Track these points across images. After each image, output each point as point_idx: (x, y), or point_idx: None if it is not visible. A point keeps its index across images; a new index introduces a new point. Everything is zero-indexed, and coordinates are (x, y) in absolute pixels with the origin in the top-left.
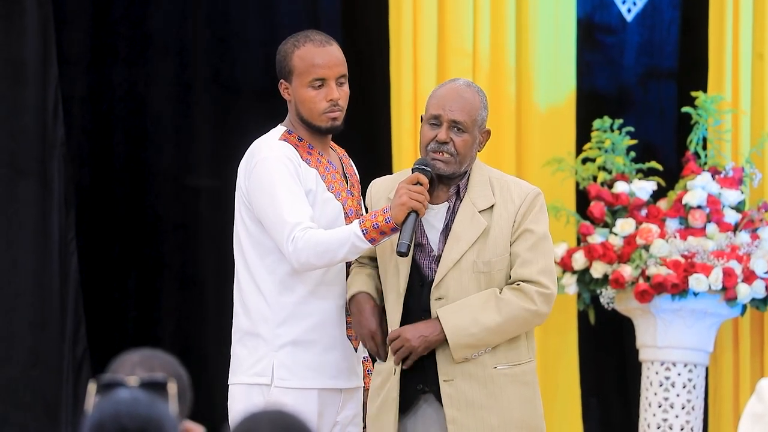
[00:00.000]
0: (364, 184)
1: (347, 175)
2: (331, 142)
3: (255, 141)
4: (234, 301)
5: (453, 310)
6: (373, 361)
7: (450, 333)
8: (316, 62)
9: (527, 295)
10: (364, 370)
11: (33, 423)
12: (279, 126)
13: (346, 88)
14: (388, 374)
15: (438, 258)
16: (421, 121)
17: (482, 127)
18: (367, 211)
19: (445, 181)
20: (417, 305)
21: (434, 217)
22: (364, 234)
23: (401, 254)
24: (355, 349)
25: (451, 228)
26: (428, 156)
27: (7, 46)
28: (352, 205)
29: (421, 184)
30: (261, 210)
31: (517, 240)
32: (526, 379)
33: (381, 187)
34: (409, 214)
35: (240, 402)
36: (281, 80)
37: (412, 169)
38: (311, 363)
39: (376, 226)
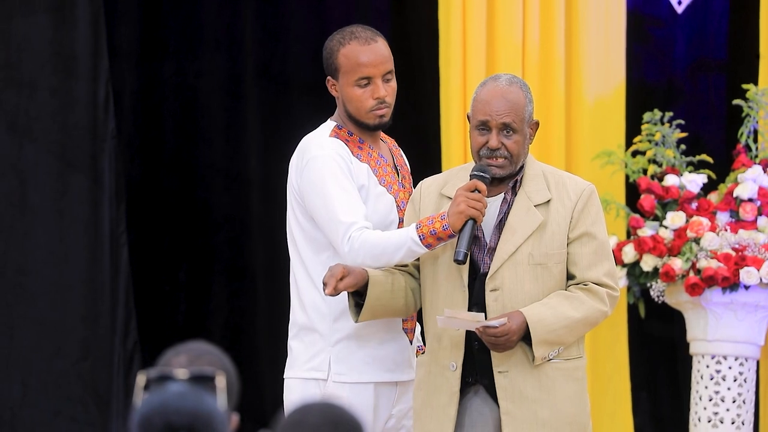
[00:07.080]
0: (413, 177)
1: (398, 167)
2: (381, 133)
3: (305, 137)
4: (291, 296)
5: (536, 308)
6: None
7: (534, 329)
8: (362, 61)
9: (598, 296)
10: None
11: (84, 416)
12: (328, 121)
13: (393, 83)
14: (437, 367)
15: (491, 250)
16: (468, 119)
17: (530, 121)
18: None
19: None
20: (470, 297)
21: (488, 209)
22: (420, 239)
23: (458, 262)
24: (410, 342)
25: (506, 221)
26: (482, 161)
27: (58, 39)
28: (404, 198)
29: (479, 191)
30: (314, 209)
31: (576, 241)
32: (577, 375)
33: (432, 186)
34: (466, 221)
35: (296, 395)
36: (328, 77)
37: (470, 176)
38: (367, 357)
39: (433, 232)
